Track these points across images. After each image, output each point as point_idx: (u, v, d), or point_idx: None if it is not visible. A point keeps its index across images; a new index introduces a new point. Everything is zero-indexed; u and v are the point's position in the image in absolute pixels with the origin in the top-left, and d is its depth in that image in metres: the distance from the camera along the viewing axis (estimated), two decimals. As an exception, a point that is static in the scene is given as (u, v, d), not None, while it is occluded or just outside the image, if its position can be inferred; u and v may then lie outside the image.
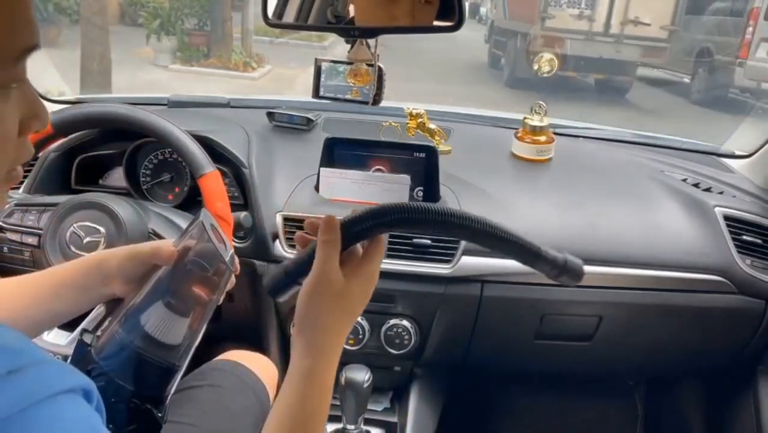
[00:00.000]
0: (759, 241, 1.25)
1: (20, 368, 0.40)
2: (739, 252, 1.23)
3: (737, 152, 1.56)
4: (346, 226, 0.60)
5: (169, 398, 0.68)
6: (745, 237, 1.25)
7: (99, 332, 0.67)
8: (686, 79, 7.46)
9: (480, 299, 1.17)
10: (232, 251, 0.70)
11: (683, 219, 1.27)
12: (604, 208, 1.29)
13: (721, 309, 1.22)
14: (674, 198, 1.32)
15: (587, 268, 1.15)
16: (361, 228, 0.60)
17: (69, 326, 0.88)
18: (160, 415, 0.66)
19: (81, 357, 0.66)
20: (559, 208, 1.26)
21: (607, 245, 1.20)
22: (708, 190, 1.36)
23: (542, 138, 1.39)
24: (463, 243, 1.15)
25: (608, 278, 1.18)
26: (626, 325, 1.25)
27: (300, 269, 0.62)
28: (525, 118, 1.40)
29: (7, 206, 1.13)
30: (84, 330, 0.68)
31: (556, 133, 1.43)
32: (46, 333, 1.11)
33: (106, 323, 0.68)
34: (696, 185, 1.37)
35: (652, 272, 1.19)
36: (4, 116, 0.44)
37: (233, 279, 0.73)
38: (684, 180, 1.39)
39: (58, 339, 1.11)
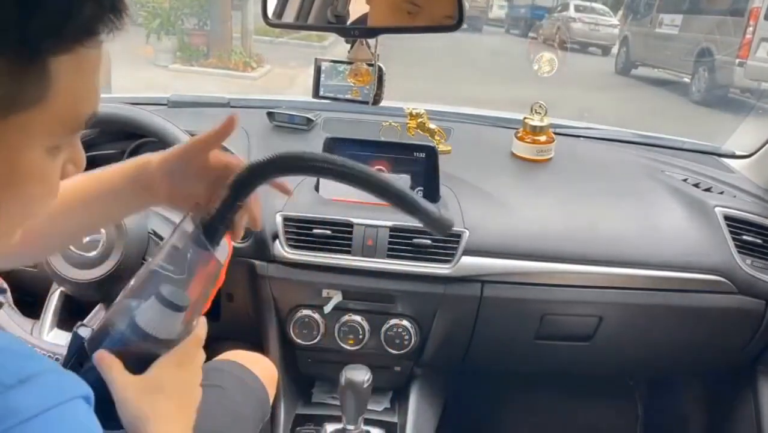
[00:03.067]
0: (759, 241, 1.25)
1: (29, 377, 0.40)
2: (739, 252, 1.23)
3: (737, 152, 1.56)
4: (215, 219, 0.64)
5: None
6: (745, 237, 1.25)
7: (95, 327, 0.67)
8: (686, 79, 7.47)
9: (480, 299, 1.17)
10: (226, 248, 0.70)
11: (683, 219, 1.27)
12: (605, 208, 1.29)
13: (721, 309, 1.22)
14: (674, 198, 1.32)
15: (587, 268, 1.16)
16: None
17: (69, 326, 0.88)
18: None
19: (75, 351, 0.66)
20: (560, 209, 1.26)
21: (607, 245, 1.20)
22: (708, 190, 1.36)
23: (542, 138, 1.39)
24: (463, 243, 1.15)
25: (608, 278, 1.18)
26: (626, 325, 1.25)
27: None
28: (525, 118, 1.40)
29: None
30: (81, 324, 0.68)
31: (556, 133, 1.43)
32: (46, 333, 1.12)
33: (102, 316, 0.68)
34: (696, 185, 1.37)
35: (652, 272, 1.19)
36: (51, 173, 0.46)
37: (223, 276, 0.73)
38: (684, 180, 1.38)
39: (58, 339, 1.11)
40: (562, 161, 1.41)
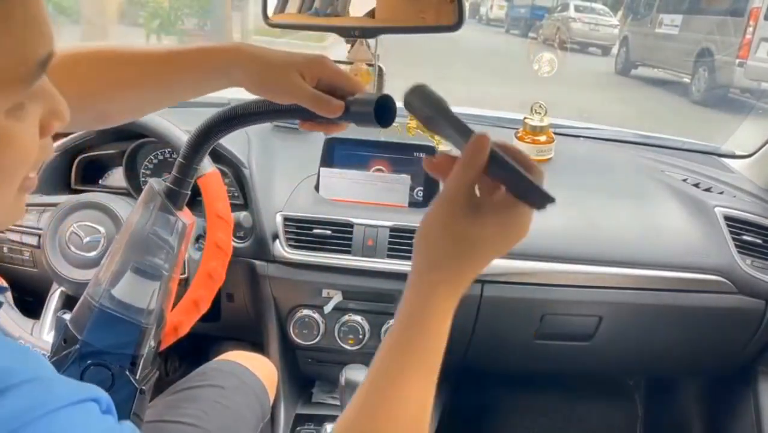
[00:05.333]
0: (759, 241, 1.25)
1: (8, 388, 0.35)
2: (739, 252, 1.23)
3: (737, 152, 1.56)
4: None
5: (143, 358, 0.69)
6: (745, 237, 1.25)
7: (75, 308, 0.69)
8: (686, 79, 7.48)
9: (480, 299, 1.17)
10: (189, 213, 0.72)
11: (683, 219, 1.27)
12: (605, 209, 1.29)
13: (721, 309, 1.22)
14: (675, 198, 1.32)
15: (587, 268, 1.16)
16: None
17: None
18: (135, 378, 0.68)
19: (61, 333, 0.69)
20: (559, 209, 1.25)
21: (607, 245, 1.20)
22: (708, 190, 1.37)
23: (542, 138, 1.39)
24: None
25: (608, 278, 1.18)
26: (626, 325, 1.25)
27: None
28: (525, 118, 1.40)
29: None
30: (64, 311, 0.71)
31: (556, 133, 1.43)
32: (46, 333, 1.12)
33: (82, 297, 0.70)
34: (696, 185, 1.37)
35: (652, 272, 1.19)
36: (21, 136, 0.39)
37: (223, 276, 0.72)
38: (684, 180, 1.39)
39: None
40: (562, 161, 1.41)
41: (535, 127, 1.38)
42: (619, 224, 1.26)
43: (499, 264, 1.16)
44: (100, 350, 0.66)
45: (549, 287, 1.18)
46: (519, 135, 1.40)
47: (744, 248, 1.24)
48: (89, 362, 0.66)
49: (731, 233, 1.25)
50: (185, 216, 0.69)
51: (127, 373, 0.67)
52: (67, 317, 0.69)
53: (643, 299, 1.21)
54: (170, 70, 0.63)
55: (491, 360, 1.36)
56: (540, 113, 1.39)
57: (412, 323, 0.51)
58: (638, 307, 1.22)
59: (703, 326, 1.26)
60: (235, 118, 0.67)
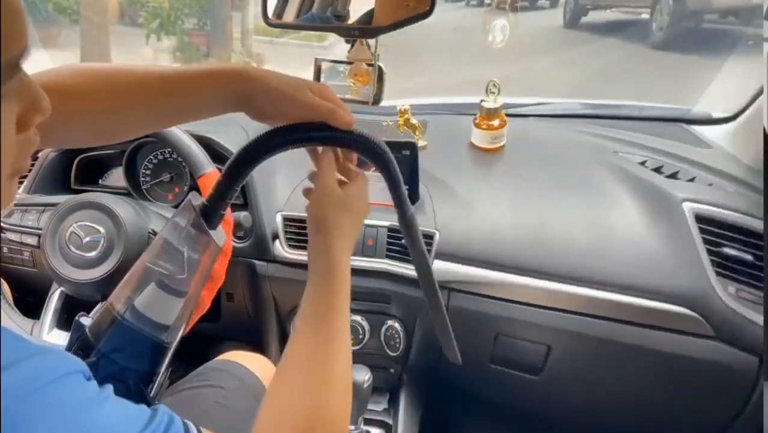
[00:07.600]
0: (748, 257, 0.86)
1: (9, 364, 0.37)
2: (717, 273, 0.87)
3: (715, 114, 1.17)
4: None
5: (159, 377, 0.69)
6: (726, 250, 0.89)
7: (96, 314, 0.68)
8: (645, 16, 5.41)
9: (447, 307, 1.06)
10: (223, 232, 0.70)
11: (640, 220, 1.01)
12: (555, 207, 1.11)
13: (697, 360, 0.88)
14: (629, 191, 1.07)
15: (535, 282, 1.03)
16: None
17: (70, 326, 0.88)
18: (150, 396, 0.67)
19: (77, 339, 0.67)
20: (512, 207, 1.15)
21: (556, 254, 1.02)
22: (674, 176, 1.07)
23: (495, 122, 1.30)
24: (435, 245, 1.09)
25: (556, 296, 0.99)
26: (577, 360, 1.03)
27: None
28: (482, 101, 1.31)
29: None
30: (82, 314, 0.69)
31: (507, 115, 1.31)
32: (46, 333, 1.12)
33: (102, 304, 0.69)
34: (658, 169, 1.08)
35: (602, 293, 0.94)
36: None
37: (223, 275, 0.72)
38: (643, 163, 1.11)
39: (58, 339, 1.11)
40: (514, 149, 1.29)
41: (489, 110, 1.29)
42: (570, 225, 1.06)
43: (461, 271, 1.09)
44: (117, 363, 0.65)
45: (501, 302, 1.07)
46: (477, 121, 1.32)
47: (724, 266, 0.88)
48: (105, 374, 0.65)
49: (706, 241, 0.91)
50: (218, 236, 0.68)
51: (142, 387, 0.66)
52: (86, 321, 0.68)
53: (596, 330, 0.98)
54: (170, 94, 0.63)
55: (454, 381, 1.26)
56: (494, 92, 1.30)
57: (330, 277, 0.64)
58: (590, 339, 0.98)
59: (675, 380, 0.94)
60: (294, 136, 0.64)
